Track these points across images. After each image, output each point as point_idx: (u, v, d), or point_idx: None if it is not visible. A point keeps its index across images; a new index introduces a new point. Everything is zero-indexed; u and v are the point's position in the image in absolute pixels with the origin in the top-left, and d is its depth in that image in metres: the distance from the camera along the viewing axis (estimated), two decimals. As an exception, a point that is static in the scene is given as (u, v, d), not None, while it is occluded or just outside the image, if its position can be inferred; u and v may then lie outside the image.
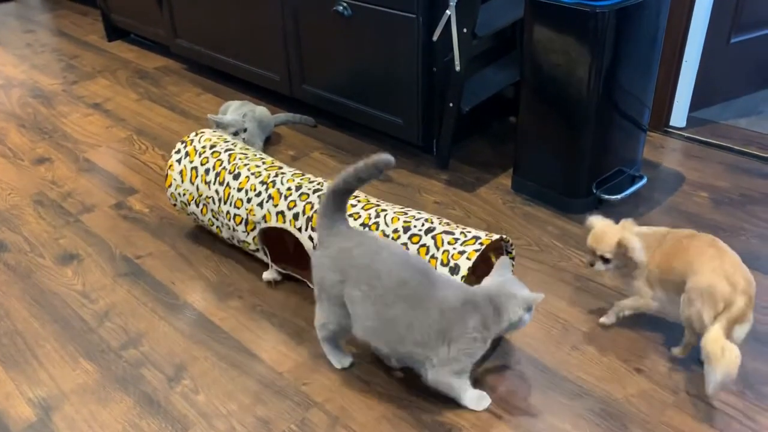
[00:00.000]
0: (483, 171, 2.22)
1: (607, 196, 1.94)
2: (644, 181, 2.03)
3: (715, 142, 2.32)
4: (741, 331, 1.32)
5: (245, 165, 1.74)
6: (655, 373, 1.43)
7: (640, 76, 1.91)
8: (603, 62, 1.75)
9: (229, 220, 1.72)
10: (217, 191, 1.74)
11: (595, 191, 1.95)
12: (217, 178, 1.75)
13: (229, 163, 1.76)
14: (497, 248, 1.57)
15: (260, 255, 1.72)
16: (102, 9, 3.49)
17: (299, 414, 1.37)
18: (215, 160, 1.78)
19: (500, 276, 1.34)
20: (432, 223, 1.51)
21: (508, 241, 1.51)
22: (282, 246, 1.77)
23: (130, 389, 1.45)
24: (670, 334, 1.52)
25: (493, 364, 1.47)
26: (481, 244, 1.43)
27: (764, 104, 2.55)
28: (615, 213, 1.96)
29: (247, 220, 1.68)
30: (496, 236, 1.47)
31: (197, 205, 1.80)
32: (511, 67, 2.28)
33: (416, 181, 2.19)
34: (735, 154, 2.26)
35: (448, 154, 2.24)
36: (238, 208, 1.69)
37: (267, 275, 1.72)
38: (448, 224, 1.51)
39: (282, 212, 1.62)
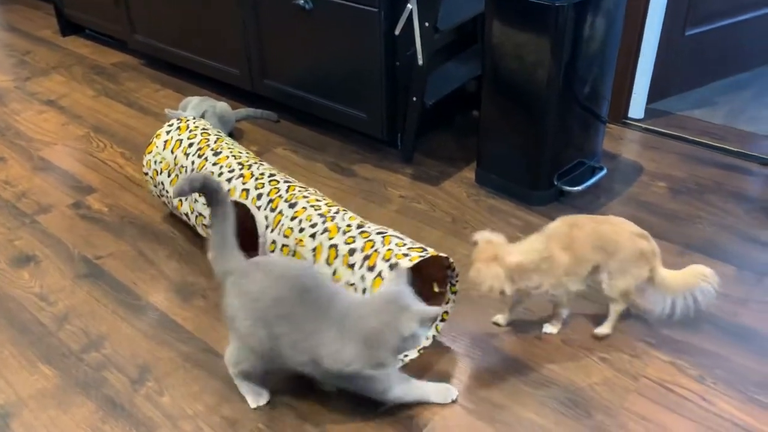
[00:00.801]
0: (447, 164, 2.23)
1: (568, 188, 1.97)
2: (604, 172, 2.07)
3: (671, 132, 2.37)
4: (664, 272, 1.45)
5: (229, 148, 1.77)
6: (617, 361, 1.46)
7: (599, 68, 1.94)
8: (563, 55, 1.77)
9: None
10: (192, 162, 1.76)
11: (556, 183, 1.97)
12: (198, 152, 1.77)
13: (214, 143, 1.79)
14: (442, 279, 1.51)
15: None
16: (55, 3, 3.39)
17: (266, 413, 1.36)
18: (202, 137, 1.82)
19: (395, 286, 1.24)
20: (386, 231, 1.49)
21: (454, 269, 1.45)
22: (242, 228, 1.73)
23: (92, 393, 1.42)
24: (633, 322, 1.56)
25: (458, 356, 1.48)
26: (426, 254, 1.39)
27: (718, 95, 2.61)
28: (576, 204, 1.99)
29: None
30: (444, 255, 1.43)
31: (169, 176, 1.81)
32: (473, 61, 2.29)
33: (381, 175, 2.19)
34: (691, 145, 2.31)
35: (413, 148, 2.24)
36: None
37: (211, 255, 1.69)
38: (402, 238, 1.47)
39: (247, 190, 1.63)
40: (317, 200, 1.57)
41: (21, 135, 2.50)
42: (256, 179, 1.64)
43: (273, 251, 1.54)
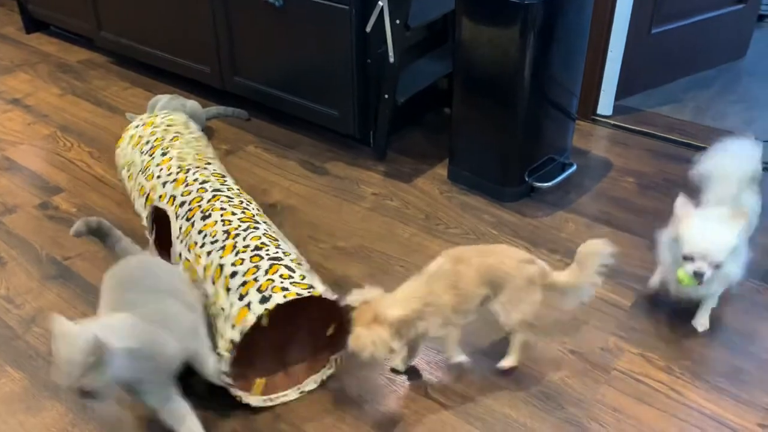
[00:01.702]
0: (420, 162, 2.24)
1: (539, 184, 1.99)
2: (574, 168, 2.10)
3: (639, 129, 2.42)
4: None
5: (180, 149, 1.74)
6: (588, 354, 1.48)
7: (569, 66, 1.96)
8: (532, 53, 1.79)
9: (137, 190, 1.73)
10: (143, 161, 1.76)
11: (527, 179, 1.99)
12: (149, 150, 1.76)
13: (167, 141, 1.77)
14: (342, 327, 1.36)
15: (146, 233, 1.72)
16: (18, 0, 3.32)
17: (242, 414, 1.35)
18: (159, 136, 1.80)
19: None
20: (286, 257, 1.40)
21: (349, 312, 1.30)
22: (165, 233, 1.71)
23: (62, 395, 1.39)
24: (603, 316, 1.58)
25: (430, 352, 1.49)
26: (310, 292, 1.31)
27: (684, 92, 2.67)
28: (547, 200, 2.01)
29: (148, 195, 1.67)
30: (334, 297, 1.34)
31: (127, 170, 1.81)
32: (444, 58, 2.30)
33: (354, 173, 2.19)
34: (658, 141, 2.36)
35: (385, 146, 2.25)
36: (148, 181, 1.69)
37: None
38: (300, 265, 1.41)
39: (174, 196, 1.60)
40: (234, 213, 1.50)
41: (-15, 134, 2.44)
42: (186, 185, 1.60)
43: (178, 262, 1.50)
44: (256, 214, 1.56)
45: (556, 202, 2.01)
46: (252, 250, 1.39)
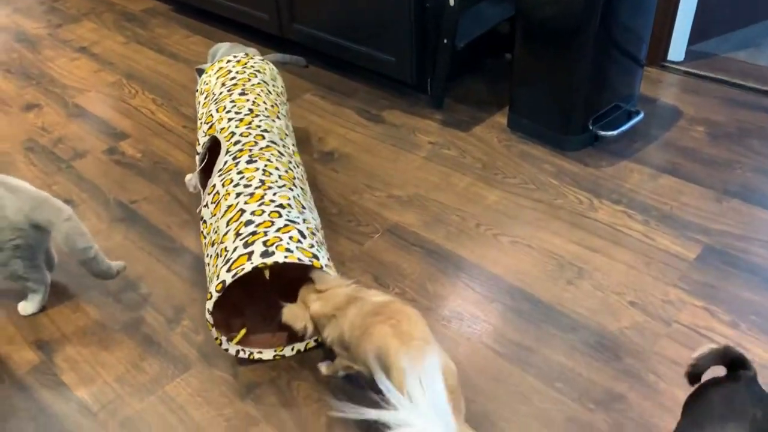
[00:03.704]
0: (478, 110, 2.20)
1: (603, 132, 1.93)
2: (641, 116, 2.01)
3: (712, 75, 2.29)
4: None
5: (257, 95, 1.76)
6: (648, 306, 1.45)
7: (639, 8, 1.86)
8: (600, -6, 1.71)
9: (205, 117, 1.76)
10: (221, 92, 1.78)
11: (591, 127, 1.93)
12: (231, 85, 1.78)
13: (250, 84, 1.79)
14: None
15: (197, 159, 1.75)
16: (83, -52, 3.37)
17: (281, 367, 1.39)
18: (246, 76, 1.82)
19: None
20: (304, 223, 1.37)
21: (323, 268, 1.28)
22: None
23: (131, 331, 1.46)
24: (665, 268, 1.54)
25: (486, 300, 1.49)
26: (311, 262, 1.28)
27: (763, 36, 2.50)
28: (611, 149, 1.95)
29: (212, 125, 1.69)
30: (334, 274, 1.29)
31: (205, 98, 1.84)
32: (506, 1, 2.22)
33: (410, 121, 2.16)
34: (733, 88, 2.23)
35: (443, 93, 2.21)
36: (218, 112, 1.71)
37: (188, 177, 1.72)
38: (313, 234, 1.37)
39: (233, 133, 1.62)
40: (277, 168, 1.51)
41: (55, 82, 2.52)
42: (249, 128, 1.62)
43: (210, 193, 1.51)
44: (298, 178, 1.56)
45: (620, 152, 1.94)
46: (275, 206, 1.38)
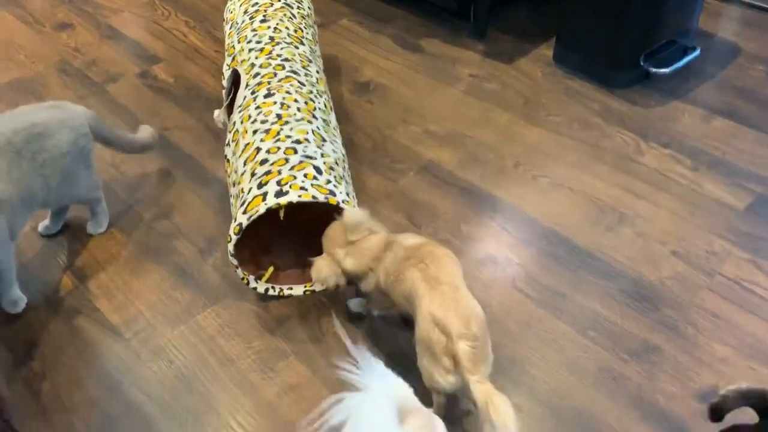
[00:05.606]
0: (523, 41, 2.09)
1: (655, 69, 1.82)
2: (697, 52, 1.89)
3: (779, 9, 2.13)
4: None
5: (279, 20, 1.69)
6: (692, 256, 1.40)
7: (705, -68, 1.71)
8: None
9: (228, 48, 1.72)
10: (242, 21, 1.73)
11: (642, 63, 1.82)
12: (253, 12, 1.73)
13: (272, 10, 1.72)
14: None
15: (223, 93, 1.71)
16: None
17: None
18: (268, 1, 1.75)
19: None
20: (321, 158, 1.32)
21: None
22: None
23: (163, 260, 1.47)
24: (711, 217, 1.47)
25: (520, 242, 1.45)
26: (327, 198, 1.24)
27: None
28: (662, 87, 1.84)
29: (234, 57, 1.65)
30: (350, 209, 1.24)
31: (230, 27, 1.80)
32: None
33: (450, 51, 2.07)
34: (800, 24, 2.08)
35: (486, 22, 2.09)
36: (239, 43, 1.66)
37: (216, 113, 1.69)
38: (331, 169, 1.31)
39: (253, 65, 1.56)
40: (296, 100, 1.44)
41: (88, 1, 2.47)
42: (269, 57, 1.55)
43: (230, 131, 1.47)
44: (320, 109, 1.48)
45: (672, 90, 1.83)
46: (291, 142, 1.33)
